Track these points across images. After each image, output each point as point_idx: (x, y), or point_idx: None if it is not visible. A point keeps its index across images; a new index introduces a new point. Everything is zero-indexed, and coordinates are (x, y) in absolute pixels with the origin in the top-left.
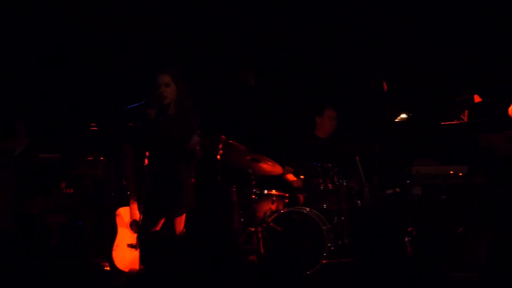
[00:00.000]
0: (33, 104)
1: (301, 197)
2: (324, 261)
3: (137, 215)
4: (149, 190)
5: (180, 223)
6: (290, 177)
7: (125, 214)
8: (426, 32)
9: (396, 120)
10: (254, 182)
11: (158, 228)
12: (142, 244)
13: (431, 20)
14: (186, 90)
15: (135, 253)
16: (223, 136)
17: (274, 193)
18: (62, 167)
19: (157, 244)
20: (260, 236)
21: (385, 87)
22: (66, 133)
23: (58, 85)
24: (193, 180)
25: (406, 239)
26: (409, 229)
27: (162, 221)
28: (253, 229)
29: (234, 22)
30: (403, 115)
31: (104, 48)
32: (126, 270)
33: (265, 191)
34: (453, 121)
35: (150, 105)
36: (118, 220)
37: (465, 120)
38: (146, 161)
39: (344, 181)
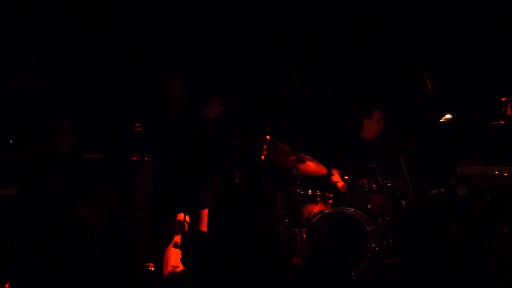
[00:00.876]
0: (79, 104)
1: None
2: (368, 262)
3: (181, 215)
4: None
5: (198, 220)
6: (335, 177)
7: None
8: (473, 30)
9: (441, 120)
10: (298, 183)
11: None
12: (184, 244)
13: (477, 19)
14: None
15: (179, 253)
16: (267, 137)
17: (319, 193)
18: (107, 168)
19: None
20: (304, 236)
21: (430, 86)
22: (111, 133)
23: (104, 85)
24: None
25: (451, 240)
26: (454, 230)
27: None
28: (297, 230)
29: (281, 23)
30: (448, 115)
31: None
32: (170, 270)
33: (310, 192)
34: (498, 121)
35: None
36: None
37: (511, 120)
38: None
39: (389, 181)
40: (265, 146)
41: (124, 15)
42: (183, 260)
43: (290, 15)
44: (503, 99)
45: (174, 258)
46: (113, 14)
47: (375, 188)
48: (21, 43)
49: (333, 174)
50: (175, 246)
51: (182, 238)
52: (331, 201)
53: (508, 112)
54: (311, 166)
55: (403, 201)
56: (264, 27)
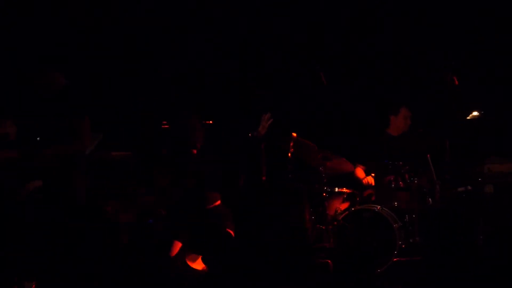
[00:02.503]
0: (105, 102)
1: (372, 196)
2: (395, 259)
3: None
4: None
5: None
6: (360, 173)
7: None
8: (498, 28)
9: (468, 117)
10: (325, 180)
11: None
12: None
13: (503, 16)
14: None
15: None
16: (294, 134)
17: (345, 191)
18: (134, 165)
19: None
20: (331, 234)
21: (457, 84)
22: (138, 131)
23: (131, 82)
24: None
25: (478, 238)
26: (481, 227)
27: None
28: (324, 227)
29: (308, 21)
30: (475, 113)
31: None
32: (198, 268)
33: (336, 189)
34: None
35: None
36: None
37: None
38: None
39: (415, 179)
40: (291, 144)
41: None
42: (203, 259)
43: (315, 11)
44: None
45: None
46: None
47: (401, 185)
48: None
49: (359, 171)
50: None
51: None
52: (358, 198)
53: None
54: (338, 163)
55: (429, 199)
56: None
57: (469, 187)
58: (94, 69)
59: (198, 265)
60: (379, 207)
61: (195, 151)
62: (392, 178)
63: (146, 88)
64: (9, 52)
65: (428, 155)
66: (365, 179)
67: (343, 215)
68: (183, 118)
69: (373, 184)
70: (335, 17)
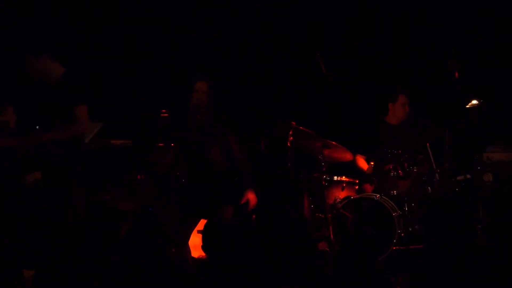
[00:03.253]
0: (105, 90)
1: (371, 185)
2: (394, 248)
3: None
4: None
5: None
6: (361, 163)
7: None
8: (499, 15)
9: (468, 106)
10: (324, 169)
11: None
12: (204, 231)
13: (502, 5)
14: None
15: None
16: (293, 123)
17: (344, 179)
18: (134, 154)
19: (220, 231)
20: (330, 222)
21: (457, 72)
22: (138, 119)
23: (130, 71)
24: None
25: (478, 226)
26: (481, 216)
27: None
28: (323, 216)
29: (305, 10)
30: (475, 101)
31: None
32: (196, 256)
33: (335, 178)
34: None
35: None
36: None
37: None
38: None
39: (415, 167)
40: (291, 132)
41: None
42: (203, 248)
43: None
44: None
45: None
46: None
47: (401, 174)
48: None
49: (358, 160)
50: (200, 232)
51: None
52: (357, 187)
53: None
54: (337, 152)
55: (429, 188)
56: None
57: (468, 176)
58: (94, 57)
59: (196, 252)
60: (378, 195)
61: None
62: (391, 167)
63: (147, 77)
64: (8, 50)
65: (428, 144)
66: (366, 166)
67: (343, 203)
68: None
69: (372, 170)
70: (335, 7)
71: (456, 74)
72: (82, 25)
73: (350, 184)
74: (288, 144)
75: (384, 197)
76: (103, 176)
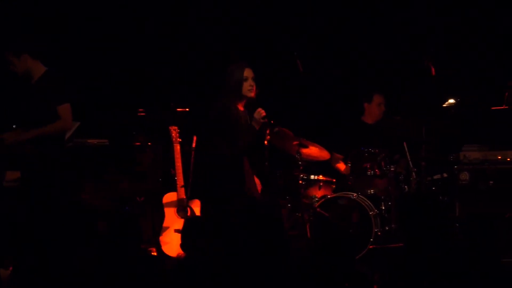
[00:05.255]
0: (81, 89)
1: (348, 183)
2: (371, 247)
3: (184, 201)
4: None
5: None
6: (338, 163)
7: (172, 200)
8: (475, 14)
9: (444, 105)
10: (301, 168)
11: None
12: (183, 230)
13: (480, 3)
14: None
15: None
16: (271, 121)
17: (321, 178)
18: (110, 153)
19: (198, 229)
20: (307, 221)
21: (433, 71)
22: (114, 118)
23: (106, 69)
24: None
25: (455, 225)
26: (457, 215)
27: None
28: (300, 215)
29: (280, 8)
30: (451, 100)
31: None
32: (174, 255)
33: (312, 177)
34: (502, 106)
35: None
36: (165, 205)
37: None
38: (193, 146)
39: (391, 166)
40: (268, 131)
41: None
42: (182, 246)
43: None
44: (509, 83)
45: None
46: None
47: (378, 173)
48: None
49: (335, 159)
50: (178, 231)
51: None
52: (334, 186)
53: None
54: (314, 150)
55: (406, 186)
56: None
57: (445, 175)
58: (72, 55)
59: (173, 251)
60: (355, 194)
61: None
62: (368, 166)
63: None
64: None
65: (404, 143)
66: (343, 166)
67: (319, 202)
68: None
69: (349, 170)
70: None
71: (433, 73)
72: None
73: (327, 183)
74: (265, 143)
75: (361, 196)
76: (80, 175)
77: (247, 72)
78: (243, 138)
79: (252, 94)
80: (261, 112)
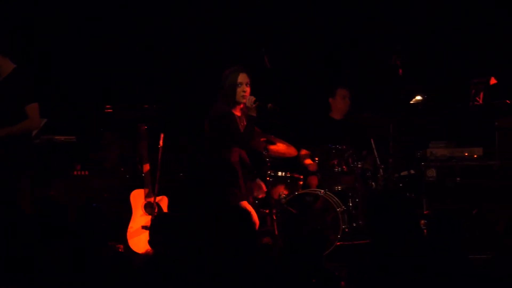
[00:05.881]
0: (49, 85)
1: (316, 180)
2: (338, 243)
3: (152, 197)
4: None
5: None
6: (305, 159)
7: (140, 196)
8: (441, 12)
9: (411, 102)
10: (268, 164)
11: None
12: (151, 226)
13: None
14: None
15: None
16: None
17: (289, 175)
18: (78, 149)
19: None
20: (274, 218)
21: (400, 68)
22: (82, 115)
23: (73, 66)
24: None
25: (422, 221)
26: (425, 211)
27: None
28: (267, 211)
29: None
30: (418, 97)
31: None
32: (141, 252)
33: (280, 173)
34: (469, 103)
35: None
36: (133, 202)
37: (481, 102)
38: (161, 143)
39: (359, 163)
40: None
41: None
42: (150, 242)
43: None
44: (473, 80)
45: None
46: None
47: (345, 169)
48: None
49: (303, 155)
50: (145, 228)
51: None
52: (301, 182)
53: (478, 94)
54: (282, 147)
55: (373, 183)
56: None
57: (412, 171)
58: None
59: (140, 248)
60: (322, 191)
61: None
62: (335, 162)
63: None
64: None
65: (372, 139)
66: (310, 164)
67: (287, 199)
68: None
69: (317, 168)
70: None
71: (400, 70)
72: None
73: (294, 180)
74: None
75: (329, 193)
76: (48, 172)
77: (241, 78)
78: (240, 139)
79: (244, 100)
80: (251, 98)
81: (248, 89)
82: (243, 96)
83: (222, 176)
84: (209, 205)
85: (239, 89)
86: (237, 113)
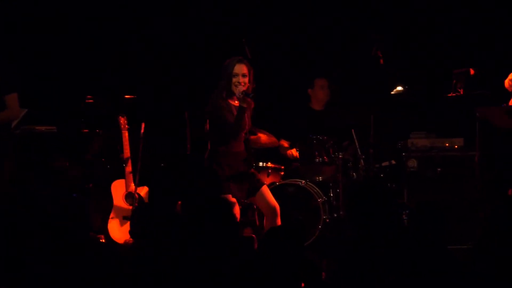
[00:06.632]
0: (29, 75)
1: (297, 170)
2: (319, 234)
3: (133, 188)
4: None
5: None
6: (286, 149)
7: (121, 187)
8: (423, 2)
9: (392, 92)
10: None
11: None
12: (132, 216)
13: None
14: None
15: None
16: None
17: (270, 165)
18: (59, 140)
19: (147, 216)
20: (255, 208)
21: (381, 59)
22: (62, 105)
23: (54, 56)
24: None
25: (402, 212)
26: (405, 202)
27: None
28: (248, 202)
29: None
30: (400, 88)
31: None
32: (121, 242)
33: (261, 164)
34: (450, 93)
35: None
36: (113, 192)
37: (461, 92)
38: (142, 133)
39: (340, 153)
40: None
41: None
42: (131, 233)
43: None
44: (454, 71)
45: (126, 230)
46: None
47: (326, 160)
48: None
49: (283, 146)
50: (126, 218)
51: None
52: (282, 173)
53: (459, 85)
54: (263, 138)
55: (354, 174)
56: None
57: (393, 162)
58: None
59: (121, 238)
60: (303, 181)
61: None
62: (316, 153)
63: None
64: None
65: (353, 130)
66: (290, 151)
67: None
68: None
69: (298, 157)
70: None
71: (381, 60)
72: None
73: (275, 170)
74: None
75: (310, 183)
76: (28, 162)
77: (238, 68)
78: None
79: (236, 90)
80: (239, 89)
81: (244, 80)
82: (236, 86)
83: (210, 166)
84: (191, 196)
85: (234, 80)
86: (235, 103)
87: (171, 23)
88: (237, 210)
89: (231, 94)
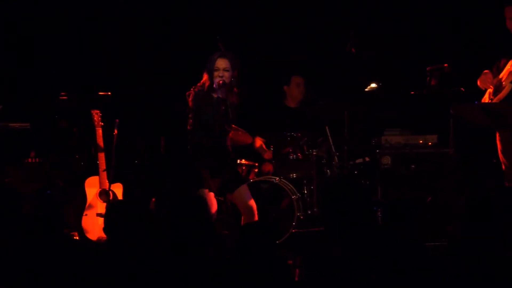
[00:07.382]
0: (2, 72)
1: (271, 167)
2: (293, 230)
3: (107, 184)
4: None
5: None
6: (260, 147)
7: (95, 184)
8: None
9: (366, 89)
10: None
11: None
12: (106, 213)
13: None
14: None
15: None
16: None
17: (244, 162)
18: (32, 136)
19: (120, 213)
20: (229, 205)
21: (355, 56)
22: (36, 102)
23: (27, 53)
24: None
25: (376, 208)
26: (379, 199)
27: None
28: (222, 199)
29: None
30: (373, 84)
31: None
32: (95, 239)
33: None
34: (424, 90)
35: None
36: (87, 189)
37: (435, 89)
38: (116, 130)
39: (314, 150)
40: (190, 115)
41: None
42: (105, 230)
43: None
44: (428, 68)
45: (99, 227)
46: None
47: (300, 157)
48: None
49: (258, 143)
50: (100, 215)
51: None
52: (256, 170)
53: (433, 82)
54: (236, 135)
55: (328, 170)
56: None
57: (367, 159)
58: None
59: (95, 235)
60: (277, 178)
61: None
62: (290, 150)
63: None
64: None
65: (327, 127)
66: (265, 152)
67: None
68: None
69: (272, 156)
70: None
71: (355, 56)
72: None
73: (249, 167)
74: (189, 128)
75: (284, 180)
76: (2, 159)
77: (219, 62)
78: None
79: (214, 83)
80: (217, 80)
81: (226, 74)
82: (217, 80)
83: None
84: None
85: (215, 73)
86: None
87: (146, 19)
88: (214, 205)
89: (213, 89)
